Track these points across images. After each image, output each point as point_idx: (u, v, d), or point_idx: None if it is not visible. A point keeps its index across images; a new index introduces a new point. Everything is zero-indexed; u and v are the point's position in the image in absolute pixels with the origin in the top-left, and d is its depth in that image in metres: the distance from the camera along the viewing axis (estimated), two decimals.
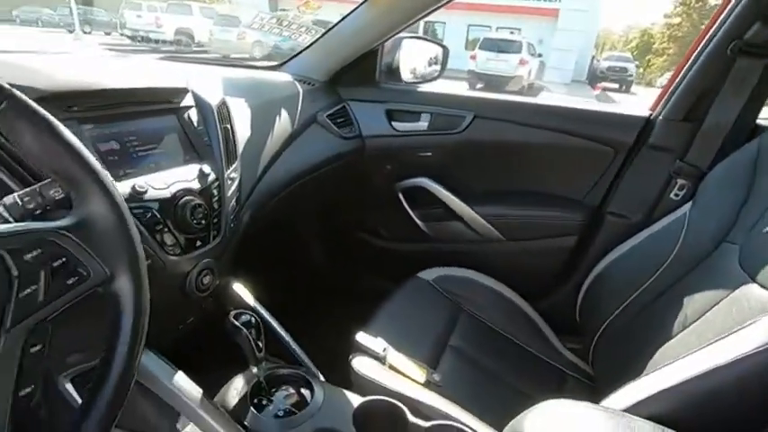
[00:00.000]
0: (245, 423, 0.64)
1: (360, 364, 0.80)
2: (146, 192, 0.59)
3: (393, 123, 1.24)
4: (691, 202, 0.90)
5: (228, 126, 0.78)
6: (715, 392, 0.53)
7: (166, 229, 0.62)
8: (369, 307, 0.96)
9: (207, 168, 0.70)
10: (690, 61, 0.94)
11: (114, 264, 0.38)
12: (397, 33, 1.15)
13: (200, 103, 0.74)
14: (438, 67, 1.41)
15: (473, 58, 11.31)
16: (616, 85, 15.82)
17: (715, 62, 0.90)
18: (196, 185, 0.67)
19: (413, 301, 1.03)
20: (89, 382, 0.56)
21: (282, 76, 1.14)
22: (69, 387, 0.59)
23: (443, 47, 1.38)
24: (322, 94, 1.20)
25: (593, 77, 16.86)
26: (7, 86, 0.33)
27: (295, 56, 1.22)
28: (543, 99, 1.30)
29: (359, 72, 1.23)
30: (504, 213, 1.20)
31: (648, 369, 0.67)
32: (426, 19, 1.19)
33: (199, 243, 0.66)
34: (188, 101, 0.74)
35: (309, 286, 1.37)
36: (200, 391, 0.63)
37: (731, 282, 0.69)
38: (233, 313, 0.68)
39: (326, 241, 1.48)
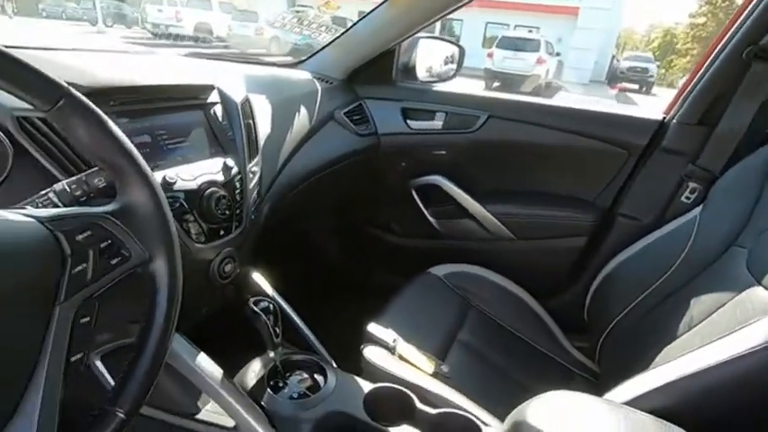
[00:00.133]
0: (262, 403, 0.68)
1: (371, 353, 0.83)
2: (175, 183, 0.63)
3: (408, 121, 1.26)
4: (701, 206, 0.91)
5: (251, 122, 0.81)
6: (714, 388, 0.55)
7: (192, 219, 0.66)
8: (380, 300, 0.99)
9: (230, 162, 0.73)
10: (705, 65, 0.95)
11: (152, 247, 0.41)
12: (415, 33, 1.17)
13: (226, 100, 0.78)
14: (454, 66, 1.43)
15: (490, 56, 11.21)
16: (636, 86, 15.52)
17: (730, 67, 0.90)
18: (220, 178, 0.70)
19: (423, 295, 1.06)
20: (118, 359, 0.60)
21: (302, 74, 1.17)
22: (99, 364, 0.64)
23: (459, 47, 1.40)
24: (339, 91, 1.22)
25: (613, 78, 16.56)
26: (65, 85, 0.36)
27: (314, 54, 1.25)
28: (557, 100, 1.30)
29: (376, 71, 1.25)
30: (516, 212, 1.22)
31: (651, 367, 0.69)
32: None
33: (222, 232, 0.70)
34: (214, 97, 0.78)
35: (324, 278, 1.41)
36: (221, 371, 0.67)
37: (737, 285, 0.70)
38: (252, 300, 0.72)
39: (341, 236, 1.51)
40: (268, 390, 0.69)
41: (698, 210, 0.90)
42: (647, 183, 1.06)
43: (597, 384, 0.97)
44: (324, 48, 1.24)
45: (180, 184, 0.64)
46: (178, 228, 0.64)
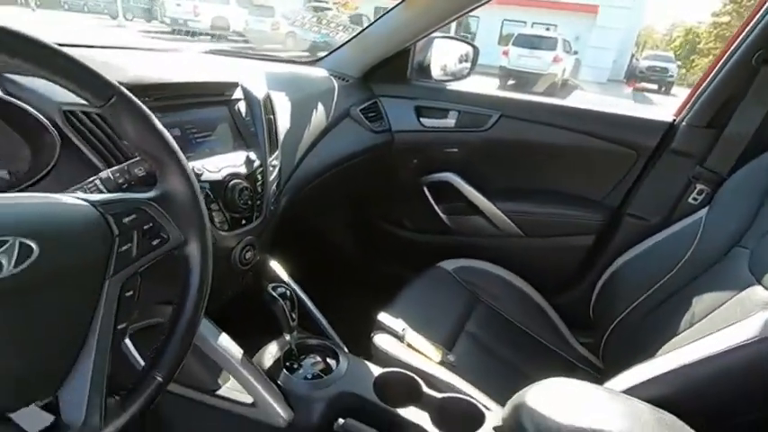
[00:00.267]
0: (279, 382, 0.72)
1: (381, 340, 0.87)
2: (202, 174, 0.67)
3: (422, 119, 1.29)
4: (708, 207, 0.92)
5: (272, 118, 0.85)
6: (708, 379, 0.58)
7: (217, 208, 0.70)
8: (391, 292, 1.03)
9: (253, 155, 0.78)
10: (716, 69, 0.96)
11: (188, 231, 0.46)
12: (430, 33, 1.20)
13: (249, 97, 0.82)
14: (468, 65, 1.45)
15: (505, 54, 11.12)
16: (655, 86, 15.23)
17: (740, 71, 0.92)
18: (243, 170, 0.74)
19: (433, 288, 1.09)
20: (144, 338, 0.65)
21: (319, 72, 1.21)
22: (128, 341, 0.69)
23: (474, 46, 1.43)
24: (355, 89, 1.26)
25: (632, 77, 16.27)
26: (117, 84, 0.41)
27: (332, 52, 1.29)
28: (568, 101, 1.32)
29: (391, 69, 1.29)
30: (525, 210, 1.25)
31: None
32: None
33: (243, 222, 0.74)
34: (238, 94, 0.82)
35: (336, 270, 1.45)
36: (241, 351, 0.72)
37: (738, 284, 0.72)
38: (270, 285, 0.76)
39: (354, 229, 1.55)
40: (284, 370, 0.74)
41: (704, 211, 0.92)
42: (656, 183, 1.08)
43: (599, 378, 0.99)
44: (341, 46, 1.28)
45: (206, 176, 0.68)
46: None
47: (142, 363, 0.68)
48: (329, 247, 1.53)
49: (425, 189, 1.35)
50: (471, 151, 1.28)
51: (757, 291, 0.67)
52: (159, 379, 0.43)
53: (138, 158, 0.48)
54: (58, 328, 0.36)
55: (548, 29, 14.73)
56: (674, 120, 1.07)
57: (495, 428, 0.66)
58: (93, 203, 0.39)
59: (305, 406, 0.70)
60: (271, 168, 0.81)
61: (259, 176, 0.78)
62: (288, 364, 0.76)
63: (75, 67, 0.37)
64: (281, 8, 13.02)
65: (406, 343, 0.88)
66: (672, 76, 15.41)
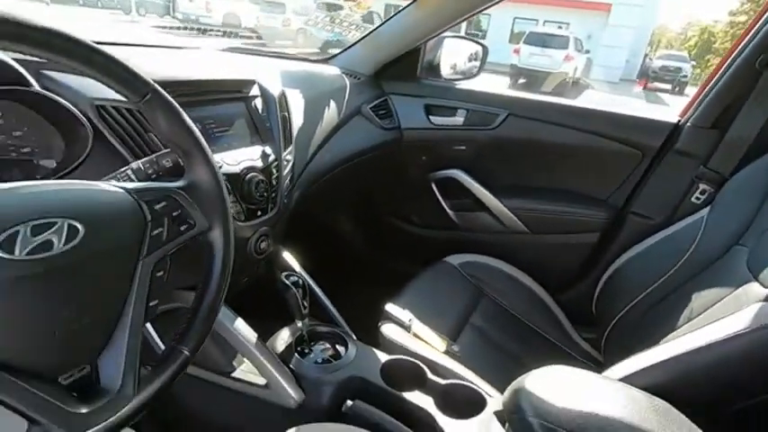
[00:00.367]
0: (291, 366, 0.76)
1: (388, 329, 0.90)
2: (221, 167, 0.71)
3: (431, 117, 1.32)
4: (709, 207, 0.94)
5: (286, 114, 0.89)
6: (702, 367, 0.61)
7: (234, 200, 0.74)
8: (398, 285, 1.06)
9: (268, 150, 0.81)
10: (720, 72, 0.98)
11: (212, 218, 0.49)
12: (441, 33, 1.22)
13: (265, 94, 0.86)
14: (477, 63, 1.47)
15: (516, 52, 11.06)
16: (669, 86, 15.01)
17: (743, 74, 0.93)
18: (259, 164, 0.78)
19: (438, 281, 1.12)
20: (165, 322, 0.69)
21: (332, 70, 1.24)
22: (148, 325, 0.73)
23: (483, 46, 1.45)
24: (366, 87, 1.29)
25: (644, 77, 16.07)
26: (152, 82, 0.44)
27: (344, 50, 1.32)
28: (575, 101, 1.34)
29: (402, 68, 1.31)
30: (531, 207, 1.27)
31: None
32: None
33: (259, 213, 0.78)
34: (255, 91, 0.85)
35: (345, 262, 1.49)
36: (256, 335, 0.75)
37: (736, 281, 0.74)
38: (284, 274, 0.80)
39: (363, 224, 1.59)
40: (295, 354, 0.78)
41: (706, 210, 0.94)
42: (660, 183, 1.10)
43: (598, 371, 1.02)
44: (353, 45, 1.31)
45: (225, 168, 0.71)
46: None
47: (162, 345, 0.72)
48: (338, 241, 1.57)
49: (433, 185, 1.38)
50: (479, 149, 1.30)
51: (753, 287, 0.69)
52: (186, 353, 0.47)
53: (165, 151, 0.52)
54: (98, 302, 0.40)
55: (560, 27, 14.60)
56: (679, 120, 1.09)
57: (495, 413, 0.69)
58: (128, 191, 0.43)
59: (315, 388, 0.73)
60: (285, 162, 0.85)
61: (274, 170, 0.81)
62: (299, 349, 0.80)
63: (117, 66, 0.41)
64: (293, 4, 13.07)
65: (412, 333, 0.91)
66: (686, 77, 15.17)
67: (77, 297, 0.38)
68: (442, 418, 0.68)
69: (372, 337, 0.90)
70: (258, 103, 0.85)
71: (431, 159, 1.37)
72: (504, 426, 0.66)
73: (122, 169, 0.51)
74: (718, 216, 0.91)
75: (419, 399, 0.72)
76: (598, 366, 1.04)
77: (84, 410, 0.37)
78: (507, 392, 0.61)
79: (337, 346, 0.83)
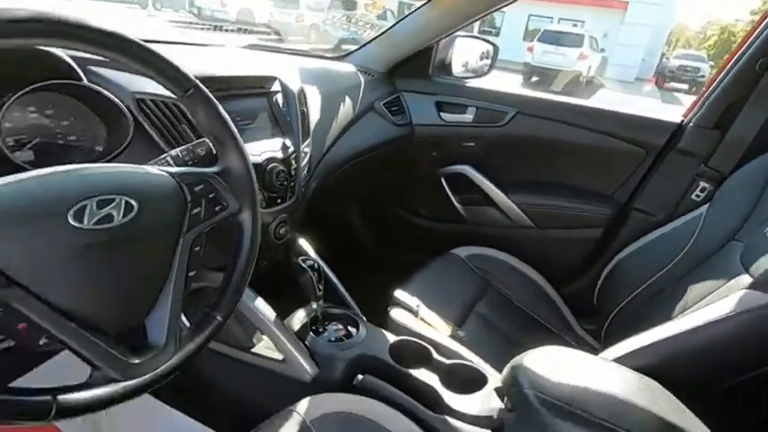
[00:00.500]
0: (306, 343, 0.82)
1: (396, 314, 0.96)
2: None
3: (441, 114, 1.36)
4: (708, 204, 0.98)
5: (305, 109, 0.94)
6: (689, 349, 0.66)
7: (256, 188, 0.80)
8: (406, 275, 1.11)
9: (288, 142, 0.87)
10: (722, 74, 1.01)
11: (242, 200, 0.55)
12: (454, 32, 1.27)
13: (285, 90, 0.91)
14: (488, 62, 1.51)
15: (530, 50, 10.97)
16: (685, 86, 14.76)
17: (744, 76, 0.97)
18: (280, 155, 0.83)
19: (446, 272, 1.17)
20: (191, 301, 0.75)
21: (347, 67, 1.29)
22: None
23: (494, 45, 1.49)
24: (380, 84, 1.34)
25: (660, 75, 15.82)
26: (193, 78, 0.50)
27: (359, 48, 1.37)
28: (582, 100, 1.37)
29: (414, 66, 1.36)
30: (537, 203, 1.31)
31: None
32: None
33: (279, 201, 0.84)
34: (276, 87, 0.91)
35: (357, 252, 1.55)
36: (274, 314, 0.81)
37: (730, 274, 0.78)
38: (300, 258, 0.85)
39: (374, 215, 1.64)
40: (310, 333, 0.84)
41: (705, 207, 0.98)
42: (662, 180, 1.13)
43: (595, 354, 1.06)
44: (368, 43, 1.36)
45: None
46: None
47: (187, 324, 0.78)
48: (350, 231, 1.62)
49: (443, 180, 1.43)
50: (488, 145, 1.35)
51: (744, 278, 0.73)
52: (219, 319, 0.53)
53: (200, 140, 0.58)
54: (148, 270, 0.46)
55: (575, 25, 14.43)
56: (683, 120, 1.12)
57: (495, 389, 0.74)
58: (171, 174, 0.49)
59: (329, 363, 0.79)
60: (303, 154, 0.90)
61: (293, 161, 0.87)
62: (314, 328, 0.86)
63: (167, 65, 0.47)
64: (306, 0, 13.12)
65: (419, 317, 0.96)
66: (703, 77, 14.85)
67: (132, 264, 0.44)
68: (446, 393, 0.74)
69: (382, 321, 0.96)
70: (279, 98, 0.91)
71: (441, 155, 1.42)
72: (502, 400, 0.71)
73: (162, 156, 0.56)
74: (716, 213, 0.94)
75: (425, 376, 0.77)
76: (596, 353, 1.08)
77: (135, 361, 0.43)
78: (506, 369, 0.66)
79: (349, 327, 0.88)
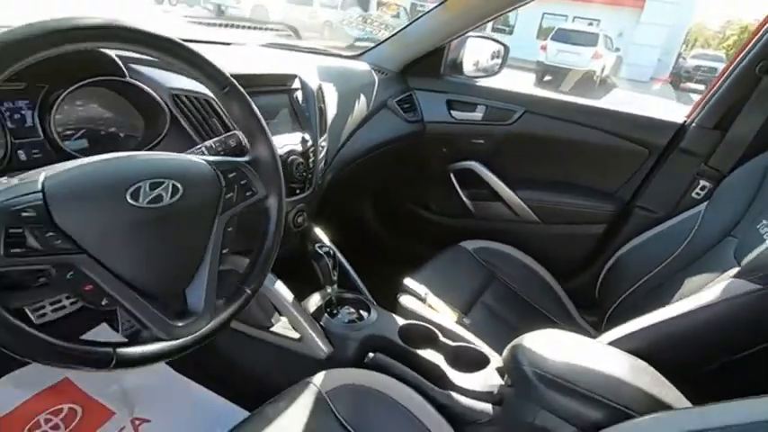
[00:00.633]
0: (321, 323, 0.88)
1: (405, 300, 1.01)
2: None
3: (452, 112, 1.41)
4: (707, 201, 1.02)
5: (323, 106, 1.00)
6: (678, 333, 0.70)
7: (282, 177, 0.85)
8: (415, 266, 1.16)
9: (307, 136, 0.92)
10: (724, 76, 1.04)
11: (269, 187, 0.61)
12: (466, 33, 1.31)
13: (305, 87, 0.97)
14: (499, 61, 1.56)
15: (543, 48, 10.90)
16: (702, 87, 14.51)
17: (745, 79, 1.00)
18: (299, 148, 0.89)
19: (453, 263, 1.22)
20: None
21: (362, 65, 1.35)
22: None
23: (505, 45, 1.53)
24: (393, 82, 1.39)
25: (677, 76, 15.59)
26: (229, 76, 0.56)
27: (374, 47, 1.42)
28: (588, 100, 1.40)
29: (426, 65, 1.41)
30: (543, 199, 1.35)
31: None
32: None
33: (297, 191, 0.90)
34: (296, 84, 0.97)
35: (368, 243, 1.60)
36: (292, 295, 0.88)
37: (723, 267, 0.82)
38: (317, 245, 0.91)
39: (385, 209, 1.70)
40: (325, 314, 0.90)
41: (704, 205, 1.02)
42: (664, 179, 1.17)
43: None
44: (382, 42, 1.41)
45: None
46: None
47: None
48: (362, 223, 1.68)
49: (452, 176, 1.48)
50: (496, 143, 1.39)
51: (735, 271, 0.77)
52: (248, 291, 0.59)
53: (231, 133, 0.64)
54: (189, 245, 0.52)
55: (590, 24, 14.28)
56: (685, 121, 1.16)
57: (497, 369, 0.80)
58: (209, 162, 0.55)
59: (342, 342, 0.85)
60: (320, 148, 0.96)
61: (311, 154, 0.93)
62: (328, 310, 0.91)
63: (209, 66, 0.53)
64: None
65: (427, 304, 1.02)
66: None
67: (177, 239, 0.50)
68: (450, 371, 0.79)
69: (391, 307, 1.01)
70: (299, 95, 0.96)
71: (450, 151, 1.47)
72: (503, 378, 0.76)
73: (198, 146, 0.63)
74: (714, 210, 0.98)
75: (431, 356, 0.82)
76: None
77: (179, 324, 0.49)
78: (507, 349, 0.71)
79: (361, 311, 0.94)
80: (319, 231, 1.02)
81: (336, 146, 1.09)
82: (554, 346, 0.68)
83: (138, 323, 0.47)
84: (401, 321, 0.90)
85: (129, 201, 0.45)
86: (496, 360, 0.82)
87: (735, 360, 0.67)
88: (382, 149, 1.29)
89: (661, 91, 13.00)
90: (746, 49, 0.99)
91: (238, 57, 0.98)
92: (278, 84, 0.93)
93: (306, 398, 0.69)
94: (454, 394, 0.76)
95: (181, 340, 0.50)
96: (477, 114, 1.39)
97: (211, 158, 0.56)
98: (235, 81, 0.56)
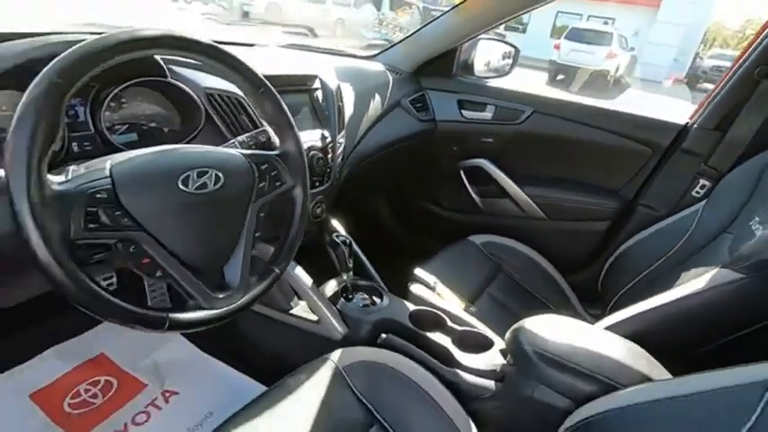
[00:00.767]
0: (337, 307, 0.95)
1: (416, 288, 1.08)
2: None
3: (463, 111, 1.47)
4: (706, 200, 1.06)
5: (341, 105, 1.06)
6: (670, 318, 0.75)
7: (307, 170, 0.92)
8: (425, 258, 1.22)
9: (326, 133, 0.99)
10: (725, 79, 1.08)
11: (296, 179, 0.68)
12: (478, 35, 1.37)
13: (325, 87, 1.03)
14: (510, 62, 1.61)
15: (556, 47, 10.81)
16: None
17: (744, 82, 1.04)
18: (319, 144, 0.96)
19: (462, 256, 1.28)
20: None
21: (377, 66, 1.41)
22: None
23: (515, 47, 1.58)
24: (406, 82, 1.45)
25: (694, 77, 15.35)
26: (263, 78, 0.63)
27: (388, 48, 1.49)
28: (595, 101, 1.45)
29: (439, 66, 1.46)
30: (549, 196, 1.41)
31: None
32: None
33: (317, 184, 0.97)
34: (316, 84, 1.03)
35: (381, 236, 1.67)
36: (311, 280, 0.94)
37: (717, 261, 0.87)
38: (334, 234, 0.98)
39: (397, 204, 1.76)
40: (341, 299, 0.96)
41: (702, 203, 1.06)
42: (666, 178, 1.22)
43: None
44: (396, 44, 1.47)
45: None
46: None
47: None
48: (375, 217, 1.75)
49: (461, 173, 1.53)
50: (505, 142, 1.44)
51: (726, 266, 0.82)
52: (277, 270, 0.66)
53: (261, 129, 0.71)
54: (228, 228, 0.59)
55: (605, 23, 14.12)
56: (688, 122, 1.20)
57: (500, 350, 0.86)
58: (244, 155, 0.62)
59: (356, 324, 0.92)
60: (338, 144, 1.03)
61: (330, 150, 0.99)
62: (344, 295, 0.98)
63: (248, 70, 0.60)
64: None
65: (436, 292, 1.08)
66: None
67: (218, 222, 0.57)
68: (457, 352, 0.85)
69: (402, 295, 1.08)
70: (319, 94, 1.03)
71: (461, 149, 1.52)
72: (505, 358, 0.82)
73: (232, 140, 0.70)
74: (712, 208, 1.03)
75: (439, 338, 0.89)
76: None
77: (219, 296, 0.57)
78: (509, 331, 0.77)
79: (374, 297, 1.01)
80: (336, 223, 1.09)
81: (353, 142, 1.15)
82: (553, 329, 0.74)
83: (184, 293, 0.54)
84: (411, 307, 0.97)
85: (181, 186, 0.52)
86: (500, 343, 0.88)
87: (722, 343, 0.72)
88: (395, 147, 1.35)
89: (676, 91, 12.80)
90: (746, 54, 1.03)
91: (263, 58, 1.05)
92: (300, 84, 1.00)
93: (324, 372, 0.76)
94: (460, 372, 0.82)
95: (220, 310, 0.57)
96: (487, 114, 1.44)
97: (246, 152, 0.63)
98: (267, 82, 0.63)
